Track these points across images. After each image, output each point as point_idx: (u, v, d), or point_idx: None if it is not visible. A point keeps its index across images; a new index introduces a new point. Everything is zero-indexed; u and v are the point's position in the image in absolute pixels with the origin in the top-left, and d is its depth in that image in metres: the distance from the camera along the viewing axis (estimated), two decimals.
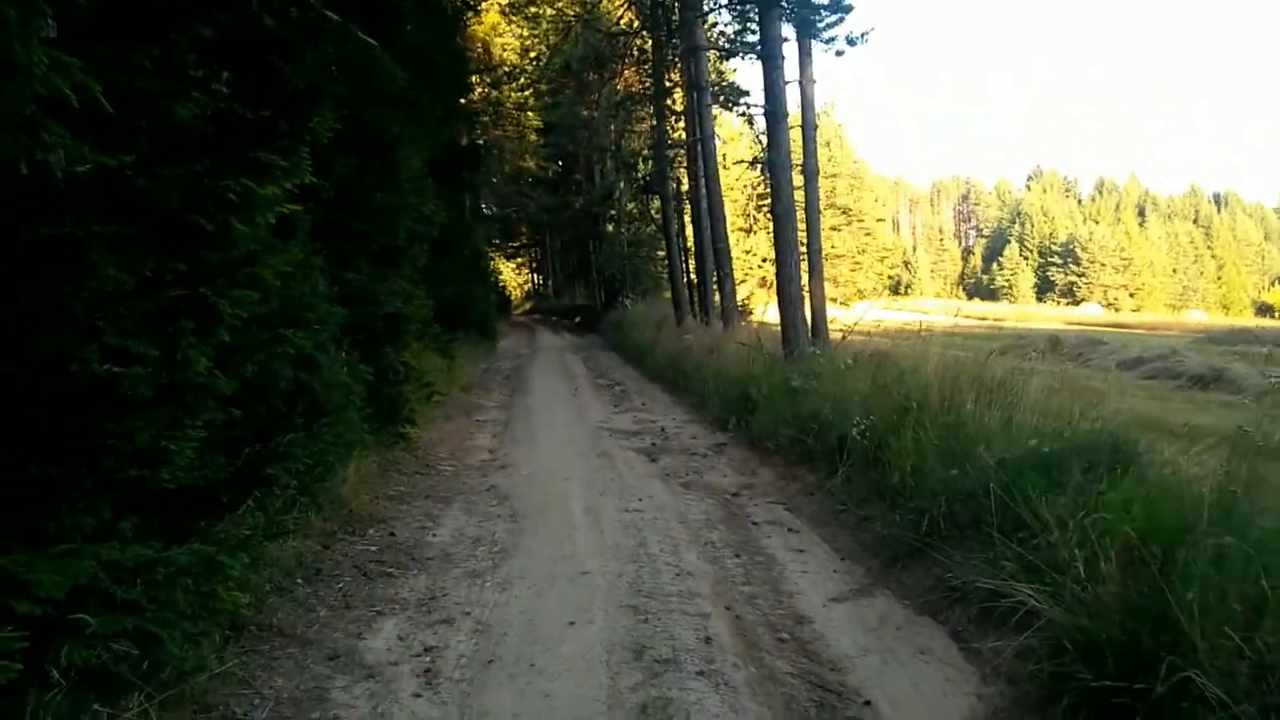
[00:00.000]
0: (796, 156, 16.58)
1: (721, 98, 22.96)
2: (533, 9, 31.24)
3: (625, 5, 24.87)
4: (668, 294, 28.05)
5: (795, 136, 16.43)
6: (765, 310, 25.03)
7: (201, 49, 3.91)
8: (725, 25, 23.21)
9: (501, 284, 49.73)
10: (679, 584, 5.60)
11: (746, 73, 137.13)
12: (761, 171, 22.72)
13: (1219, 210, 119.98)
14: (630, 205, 34.40)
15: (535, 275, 61.77)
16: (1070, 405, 6.95)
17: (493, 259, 44.36)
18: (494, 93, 33.81)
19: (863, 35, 16.32)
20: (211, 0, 4.01)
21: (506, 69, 33.24)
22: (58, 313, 3.23)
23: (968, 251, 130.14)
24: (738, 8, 20.22)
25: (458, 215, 20.39)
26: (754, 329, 17.39)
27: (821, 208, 19.25)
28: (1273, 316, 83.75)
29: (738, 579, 5.78)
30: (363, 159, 8.13)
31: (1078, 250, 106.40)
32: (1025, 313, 71.00)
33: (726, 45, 22.67)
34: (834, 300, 27.82)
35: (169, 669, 3.57)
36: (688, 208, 24.87)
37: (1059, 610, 4.02)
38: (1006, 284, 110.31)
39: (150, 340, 3.43)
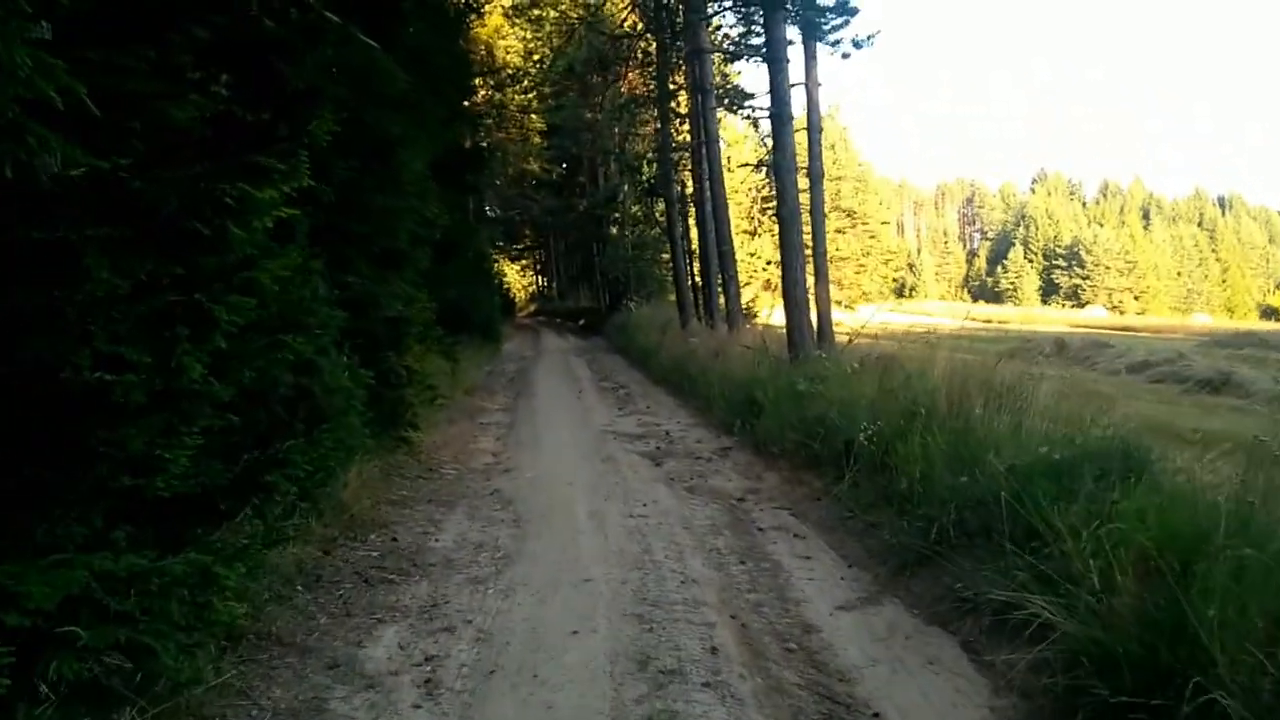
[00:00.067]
0: (802, 159, 16.51)
1: (726, 100, 22.91)
2: (536, 11, 31.27)
3: (629, 8, 24.83)
4: (672, 297, 27.96)
5: (800, 139, 16.36)
6: (771, 313, 24.97)
7: (198, 50, 3.85)
8: (729, 28, 23.21)
9: (505, 286, 49.69)
10: (684, 591, 5.52)
11: (751, 75, 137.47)
12: (766, 174, 22.65)
13: (1223, 213, 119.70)
14: (634, 208, 34.37)
15: (539, 277, 61.73)
16: (1080, 410, 6.88)
17: (497, 261, 44.30)
18: (497, 95, 33.82)
19: (869, 38, 16.30)
20: (208, 1, 3.95)
21: (510, 71, 33.26)
22: (49, 317, 3.17)
23: (972, 254, 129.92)
24: (742, 10, 20.17)
25: (461, 218, 20.33)
26: (759, 332, 17.30)
27: (826, 210, 19.17)
28: (1277, 320, 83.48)
29: (743, 586, 5.70)
30: (364, 161, 8.06)
31: (1082, 253, 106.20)
32: (1030, 315, 70.89)
33: (731, 48, 22.65)
34: (838, 303, 27.77)
35: (163, 681, 3.49)
36: (692, 210, 24.80)
37: (1073, 622, 3.94)
38: (1011, 287, 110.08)
39: (143, 346, 3.36)
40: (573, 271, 49.20)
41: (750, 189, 41.33)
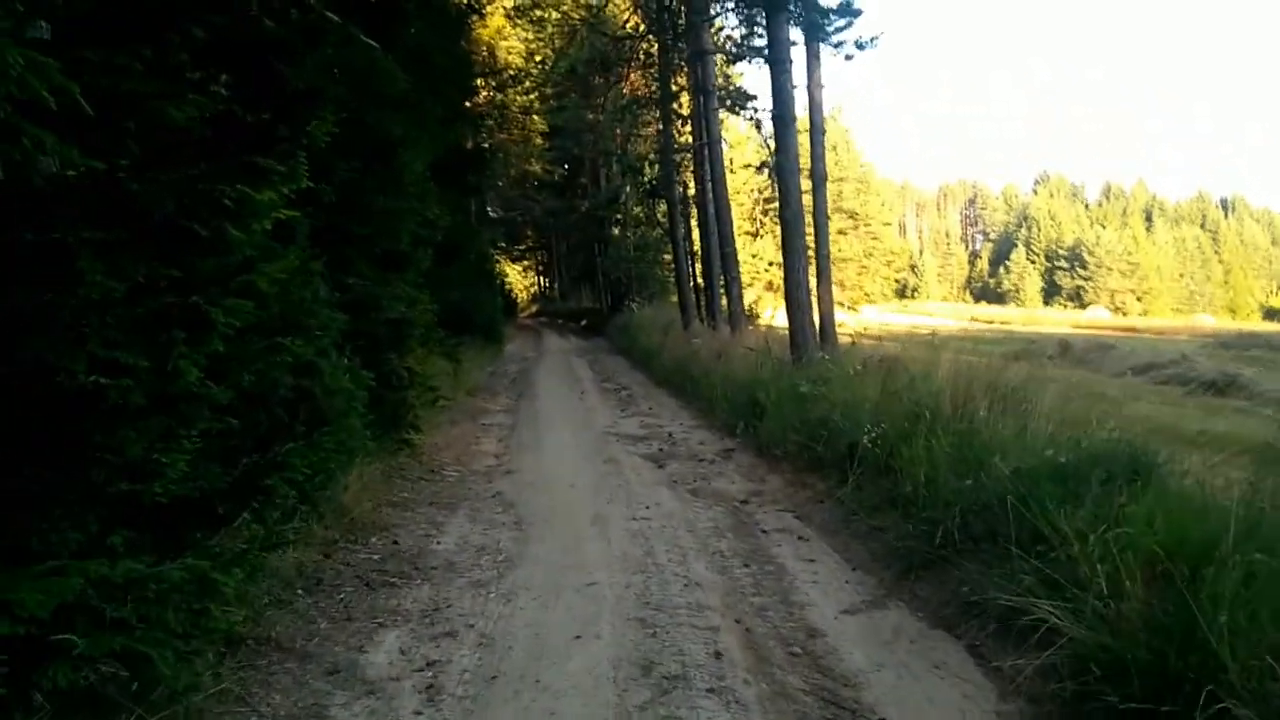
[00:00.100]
0: (804, 161, 16.44)
1: (728, 102, 22.85)
2: (538, 12, 31.23)
3: (631, 9, 24.78)
4: (674, 298, 27.93)
5: (803, 141, 16.31)
6: (774, 314, 24.96)
7: (197, 50, 3.81)
8: (732, 29, 23.14)
9: (507, 287, 49.69)
10: (688, 595, 5.47)
11: (753, 77, 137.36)
12: (769, 176, 22.61)
13: (1226, 215, 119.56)
14: (636, 209, 34.34)
15: (541, 278, 61.76)
16: (1086, 413, 6.83)
17: (498, 262, 44.28)
18: (499, 96, 33.80)
19: (872, 39, 16.22)
20: (208, 1, 3.91)
21: (511, 72, 33.24)
22: (44, 320, 3.13)
23: (974, 255, 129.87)
24: (744, 12, 20.12)
25: (463, 219, 20.33)
26: (761, 333, 17.28)
27: (829, 212, 19.12)
28: None
29: (747, 590, 5.65)
30: (365, 162, 8.03)
31: (1085, 254, 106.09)
32: (1033, 316, 70.87)
33: (733, 49, 22.59)
34: (841, 304, 27.75)
35: (161, 689, 3.44)
36: (694, 212, 24.77)
37: (1081, 628, 3.89)
38: (1013, 288, 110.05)
39: (139, 350, 3.32)
40: (575, 272, 49.18)
41: (752, 190, 41.29)
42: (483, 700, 4.16)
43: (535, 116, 36.12)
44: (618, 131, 29.81)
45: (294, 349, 4.87)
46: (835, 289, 18.30)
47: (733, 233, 20.34)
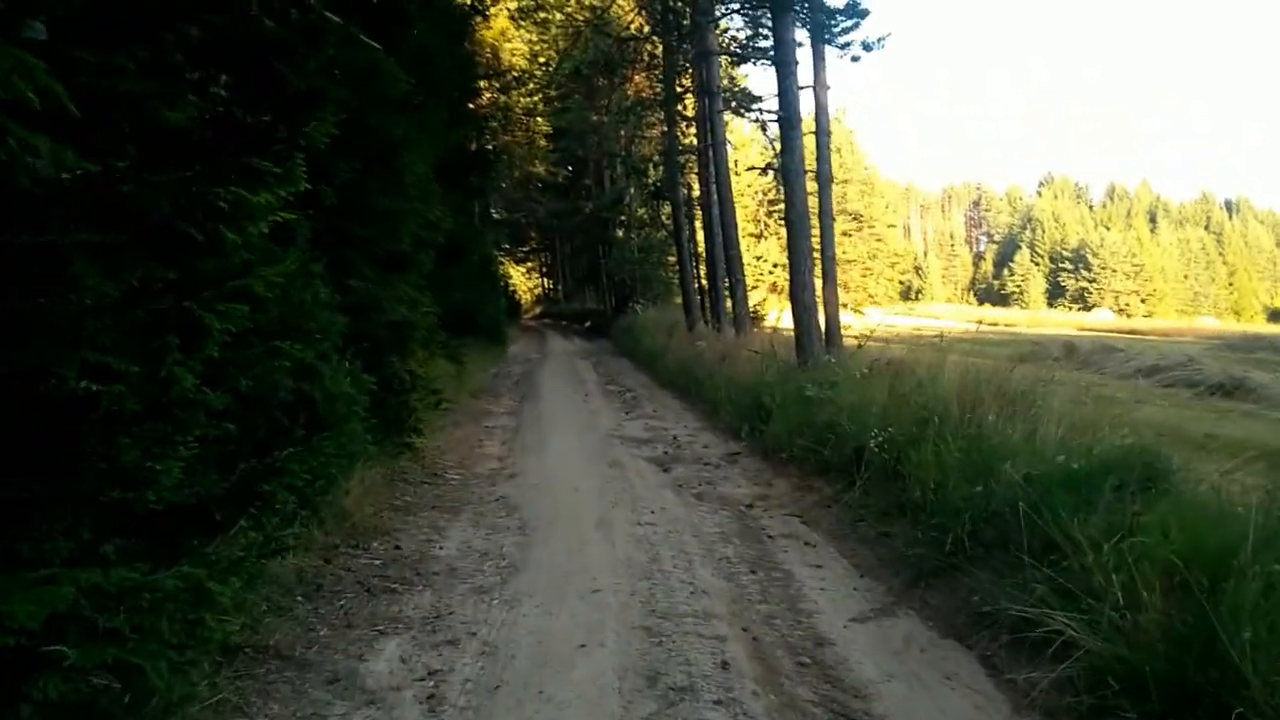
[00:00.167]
0: (809, 163, 16.36)
1: (733, 104, 22.80)
2: (542, 14, 31.26)
3: (635, 10, 24.71)
4: (678, 300, 27.90)
5: (808, 143, 16.24)
6: (779, 317, 24.87)
7: (196, 50, 3.74)
8: (737, 30, 23.10)
9: (511, 289, 49.73)
10: (694, 603, 5.39)
11: (758, 78, 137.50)
12: (774, 178, 22.58)
13: (1230, 216, 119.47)
14: (640, 211, 34.31)
15: (545, 280, 61.75)
16: (1096, 417, 6.75)
17: (502, 264, 44.26)
18: (503, 98, 33.73)
19: (879, 40, 16.25)
20: (207, 1, 3.84)
21: (515, 74, 33.18)
22: (36, 325, 3.05)
23: (979, 257, 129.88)
24: (750, 13, 20.06)
25: (466, 220, 20.28)
26: (766, 336, 17.22)
27: (834, 214, 19.04)
28: None
29: (754, 597, 5.57)
30: (366, 164, 7.96)
31: (1089, 256, 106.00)
32: (1037, 318, 70.85)
33: (738, 51, 22.54)
34: (845, 306, 27.70)
35: (155, 700, 3.37)
36: (699, 213, 24.71)
37: (1097, 640, 3.81)
38: (1018, 289, 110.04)
39: (133, 356, 3.24)
40: (579, 274, 49.15)
41: (756, 192, 41.40)
42: (485, 711, 4.08)
43: (539, 118, 36.07)
44: (622, 133, 29.79)
45: (293, 353, 4.80)
46: (839, 291, 18.19)
47: (737, 235, 20.29)
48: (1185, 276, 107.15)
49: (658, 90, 25.34)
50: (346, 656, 4.61)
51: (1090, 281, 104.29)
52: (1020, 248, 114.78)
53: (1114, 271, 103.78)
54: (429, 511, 7.62)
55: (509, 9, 30.52)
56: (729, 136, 23.21)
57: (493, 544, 6.73)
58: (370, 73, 8.02)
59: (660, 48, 23.63)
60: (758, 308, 30.52)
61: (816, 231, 16.12)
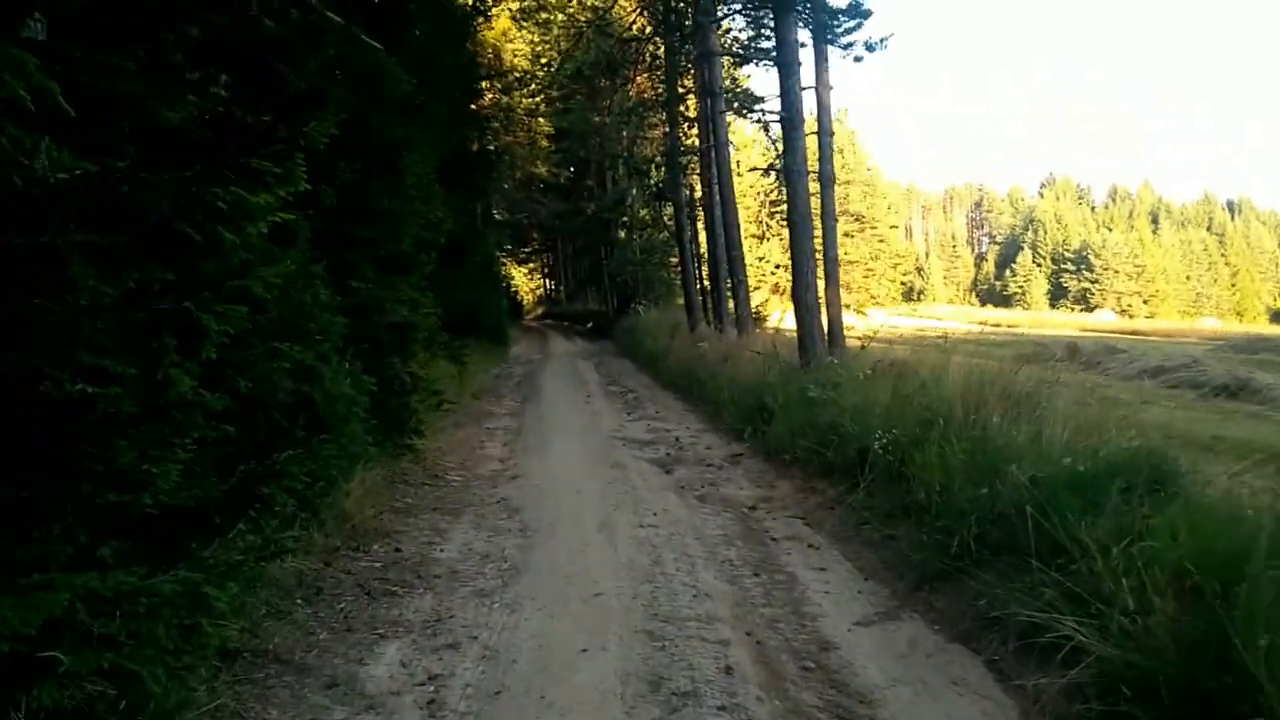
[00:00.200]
0: (812, 163, 16.33)
1: (735, 104, 22.75)
2: (544, 15, 31.23)
3: (637, 10, 24.68)
4: (680, 301, 27.87)
5: (810, 143, 16.20)
6: (781, 318, 24.84)
7: (195, 50, 3.71)
8: (739, 31, 23.06)
9: (513, 289, 49.72)
10: (697, 606, 5.34)
11: (761, 79, 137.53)
12: (776, 178, 22.54)
13: (1233, 217, 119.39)
14: (643, 212, 34.25)
15: (547, 281, 61.78)
16: (1101, 419, 6.69)
17: (504, 265, 44.26)
18: (505, 99, 33.69)
19: (882, 41, 16.18)
20: (204, 1, 3.80)
21: (517, 75, 33.15)
22: (32, 326, 3.01)
23: (980, 258, 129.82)
24: (752, 14, 20.02)
25: (469, 221, 20.25)
26: (769, 337, 17.17)
27: (836, 215, 19.00)
28: None
29: (758, 600, 5.52)
30: (367, 164, 7.92)
31: (1091, 257, 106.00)
32: (1040, 319, 70.83)
33: (740, 51, 22.50)
34: (847, 307, 27.67)
35: (152, 706, 3.32)
36: (701, 214, 24.68)
37: (1108, 646, 3.75)
38: (1020, 290, 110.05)
39: (129, 358, 3.20)
40: (581, 275, 49.15)
41: (758, 193, 41.31)
42: (486, 717, 4.04)
43: (541, 119, 36.02)
44: (624, 134, 29.76)
45: (293, 354, 4.77)
46: (842, 292, 18.14)
47: (739, 236, 20.24)
48: (1187, 277, 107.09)
49: (660, 91, 25.32)
50: (346, 660, 4.57)
51: (1092, 282, 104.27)
52: (1022, 249, 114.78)
53: (1116, 272, 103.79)
54: (430, 513, 7.58)
55: (511, 10, 30.50)
56: (731, 137, 23.17)
57: (494, 546, 6.69)
58: (371, 73, 7.99)
59: (662, 48, 23.60)
60: (760, 309, 30.49)
61: (819, 232, 16.07)
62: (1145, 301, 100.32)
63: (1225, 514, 4.28)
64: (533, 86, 34.17)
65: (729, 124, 22.38)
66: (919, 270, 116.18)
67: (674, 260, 30.74)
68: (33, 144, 3.07)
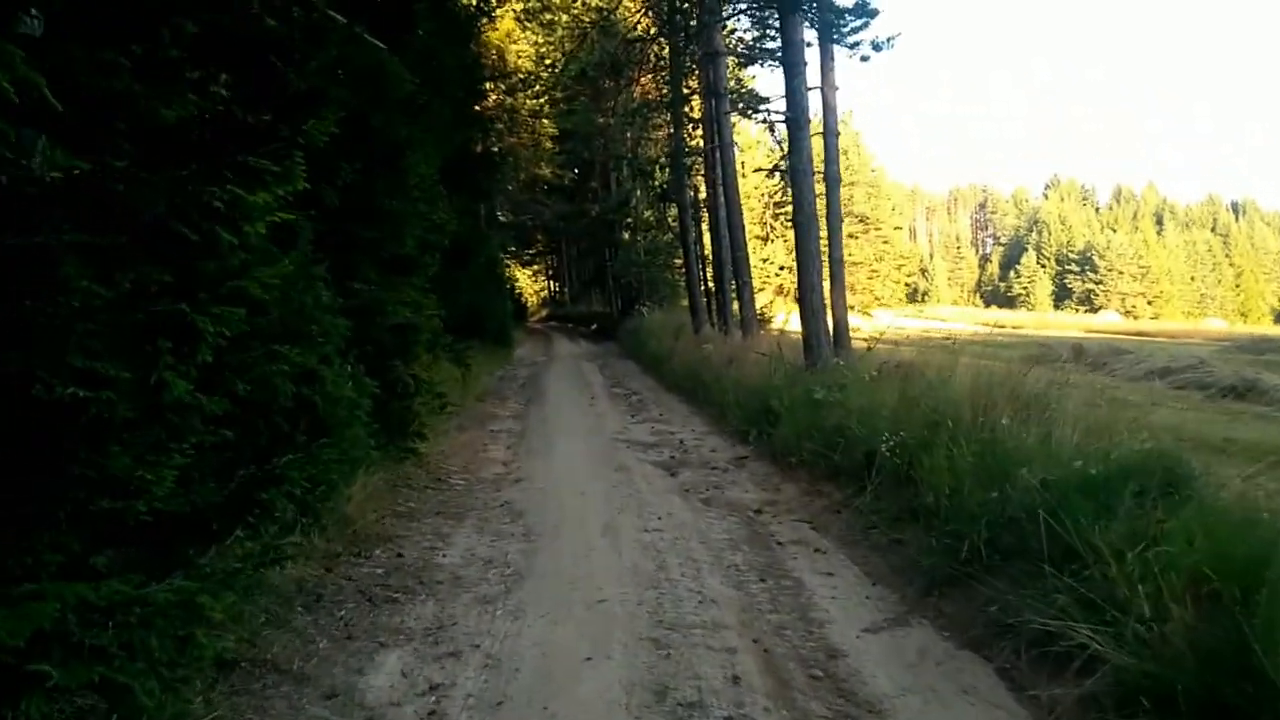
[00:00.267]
0: (817, 164, 16.23)
1: (740, 105, 22.66)
2: (548, 15, 31.16)
3: (642, 11, 24.60)
4: (685, 302, 27.81)
5: (816, 144, 16.11)
6: (786, 319, 24.77)
7: (192, 47, 3.64)
8: (744, 31, 22.98)
9: (517, 291, 49.68)
10: (702, 613, 5.26)
11: (765, 80, 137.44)
12: (781, 179, 22.43)
13: (1237, 218, 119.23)
14: (647, 213, 34.20)
15: (551, 282, 61.74)
16: (1110, 420, 6.61)
17: (508, 267, 44.23)
18: (509, 100, 33.64)
19: (889, 40, 16.02)
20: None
21: (521, 76, 33.09)
22: (22, 329, 2.94)
23: (985, 259, 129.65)
24: (757, 14, 19.93)
25: (472, 223, 20.21)
26: (774, 338, 17.05)
27: (842, 215, 18.91)
28: None
29: (764, 607, 5.43)
30: (370, 165, 7.86)
31: (1095, 258, 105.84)
32: (1044, 320, 70.68)
33: (745, 51, 22.41)
34: (852, 308, 27.57)
35: (145, 719, 3.24)
36: (705, 216, 24.60)
37: (1124, 654, 3.66)
38: (1024, 291, 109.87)
39: (123, 361, 3.12)
40: (585, 277, 49.07)
41: (763, 194, 41.25)
42: None
43: (545, 120, 35.94)
44: (628, 135, 29.73)
45: (293, 357, 4.70)
46: (846, 293, 18.05)
47: (744, 237, 20.15)
48: (1192, 278, 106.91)
49: (664, 92, 25.25)
50: (346, 670, 4.48)
51: (1096, 283, 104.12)
52: (1026, 250, 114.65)
53: (1120, 273, 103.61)
54: (432, 518, 7.50)
55: (515, 10, 30.46)
56: (735, 139, 23.05)
57: (497, 551, 6.61)
58: (374, 72, 7.93)
59: (667, 49, 23.53)
60: (764, 310, 30.42)
61: (824, 233, 15.98)
62: (1149, 303, 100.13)
63: (1241, 517, 4.19)
64: (537, 88, 34.12)
65: (734, 125, 22.28)
66: (923, 272, 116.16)
67: (678, 262, 30.68)
68: (21, 140, 3.01)
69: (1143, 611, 3.75)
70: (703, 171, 23.86)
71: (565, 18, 31.08)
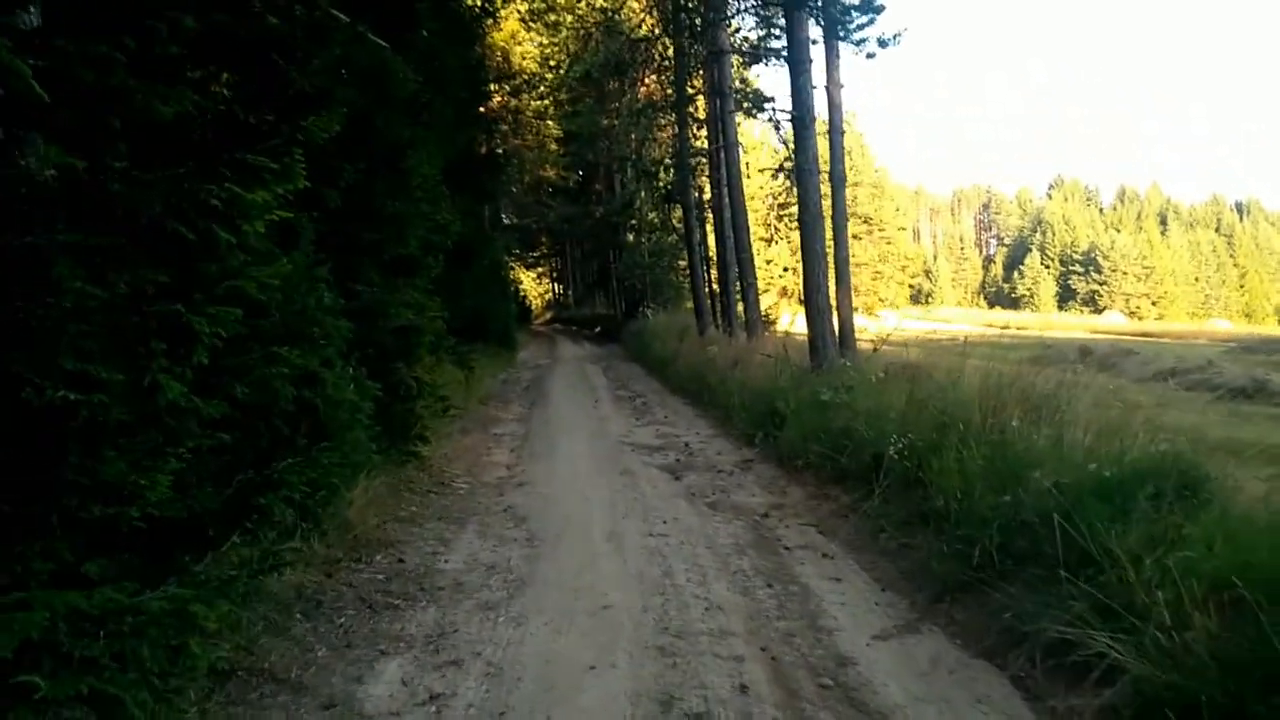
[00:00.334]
0: (823, 164, 16.14)
1: (745, 104, 22.58)
2: (552, 16, 31.11)
3: (646, 10, 24.53)
4: (689, 304, 27.74)
5: (821, 143, 16.01)
6: (792, 321, 24.68)
7: (190, 44, 3.57)
8: (748, 31, 22.91)
9: (522, 294, 49.70)
10: (709, 620, 5.17)
11: (770, 79, 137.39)
12: (786, 179, 22.36)
13: (1241, 219, 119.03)
14: (651, 214, 34.10)
15: (555, 285, 61.69)
16: (1122, 421, 6.51)
17: (513, 269, 44.19)
18: (513, 101, 33.64)
19: (895, 36, 15.96)
20: None
21: (526, 77, 33.10)
22: (13, 331, 2.86)
23: (988, 260, 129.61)
24: (762, 12, 19.86)
25: (477, 225, 20.17)
26: (779, 340, 16.96)
27: (848, 215, 18.81)
28: None
29: (772, 613, 5.34)
30: (372, 165, 7.79)
31: (1099, 259, 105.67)
32: (1049, 321, 70.56)
33: (750, 50, 22.34)
34: (856, 310, 27.48)
35: None
36: (709, 217, 24.53)
37: (1145, 664, 3.56)
38: (1028, 292, 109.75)
39: (117, 364, 3.04)
40: (589, 279, 49.02)
41: (767, 195, 41.11)
42: None
43: (549, 122, 35.91)
44: (633, 136, 29.59)
45: (294, 359, 4.61)
46: (851, 294, 17.95)
47: (749, 238, 20.07)
48: (1196, 279, 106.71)
49: (669, 93, 25.16)
50: (345, 679, 4.39)
51: (1101, 284, 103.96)
52: (1030, 251, 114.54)
53: (1124, 274, 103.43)
54: (435, 522, 7.41)
55: (520, 11, 30.43)
56: (740, 139, 22.96)
57: (500, 557, 6.52)
58: (377, 72, 7.87)
59: (671, 49, 23.44)
60: (769, 311, 30.38)
61: (830, 233, 15.89)
62: (1154, 303, 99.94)
63: (1265, 522, 4.09)
64: (541, 89, 34.12)
65: (738, 125, 22.20)
66: (927, 273, 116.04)
67: (682, 263, 30.63)
68: (20, 139, 2.95)
69: (1163, 619, 3.65)
70: (707, 172, 23.78)
71: (570, 18, 31.02)
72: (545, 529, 7.25)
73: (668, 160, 28.40)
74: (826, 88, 16.47)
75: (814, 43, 14.82)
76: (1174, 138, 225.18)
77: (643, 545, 6.74)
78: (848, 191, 18.80)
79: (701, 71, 22.33)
